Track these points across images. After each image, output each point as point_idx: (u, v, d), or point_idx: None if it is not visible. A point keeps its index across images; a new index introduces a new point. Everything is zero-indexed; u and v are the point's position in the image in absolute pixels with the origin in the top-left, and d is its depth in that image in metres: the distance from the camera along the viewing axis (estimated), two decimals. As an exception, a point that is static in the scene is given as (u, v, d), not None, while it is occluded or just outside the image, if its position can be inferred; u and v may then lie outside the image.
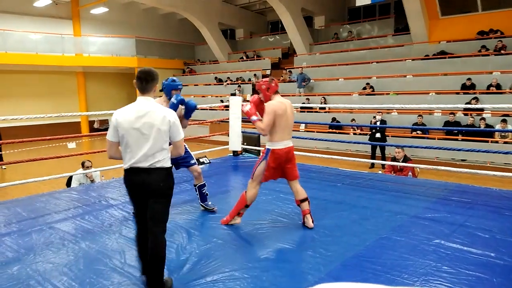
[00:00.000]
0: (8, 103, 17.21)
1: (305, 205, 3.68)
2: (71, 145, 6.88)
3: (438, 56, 13.22)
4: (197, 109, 4.16)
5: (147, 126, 2.46)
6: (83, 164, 6.39)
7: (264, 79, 3.64)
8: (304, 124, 13.40)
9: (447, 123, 10.56)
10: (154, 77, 2.58)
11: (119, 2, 19.40)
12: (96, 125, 20.26)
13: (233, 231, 3.58)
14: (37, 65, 17.12)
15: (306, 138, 10.77)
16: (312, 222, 3.63)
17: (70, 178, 6.57)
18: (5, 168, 11.08)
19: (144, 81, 2.54)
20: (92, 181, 6.39)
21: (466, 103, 10.20)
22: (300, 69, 15.48)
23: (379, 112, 10.39)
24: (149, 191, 2.51)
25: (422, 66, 13.23)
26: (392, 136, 10.93)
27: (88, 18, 19.36)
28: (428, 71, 12.85)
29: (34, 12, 17.64)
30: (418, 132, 10.94)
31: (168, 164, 2.56)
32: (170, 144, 2.64)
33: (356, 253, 3.08)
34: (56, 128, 16.52)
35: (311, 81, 15.22)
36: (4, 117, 5.13)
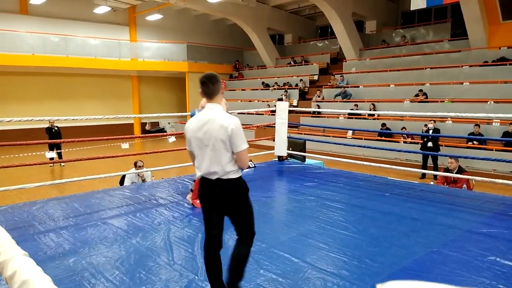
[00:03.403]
0: (68, 104, 18.38)
1: None
2: (125, 145, 7.21)
3: (498, 63, 12.48)
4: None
5: (207, 135, 2.37)
6: (135, 164, 6.68)
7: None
8: (351, 131, 13.15)
9: (506, 134, 9.94)
10: (218, 79, 2.48)
11: (172, 9, 20.12)
12: (148, 127, 21.11)
13: (278, 236, 3.59)
14: (96, 69, 18.16)
15: (353, 146, 10.57)
16: None
17: (123, 177, 6.88)
18: (63, 166, 11.82)
19: (210, 84, 2.44)
20: (144, 180, 6.66)
21: (529, 113, 9.54)
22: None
23: (431, 120, 9.97)
24: (220, 202, 2.41)
25: (481, 73, 12.55)
26: (445, 146, 10.44)
27: (144, 24, 20.27)
28: (487, 78, 12.17)
29: (94, 19, 18.75)
30: (475, 142, 10.38)
31: (235, 175, 2.40)
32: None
33: (404, 266, 2.98)
34: (111, 129, 17.43)
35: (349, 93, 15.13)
36: (66, 118, 5.49)
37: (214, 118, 2.38)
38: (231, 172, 2.38)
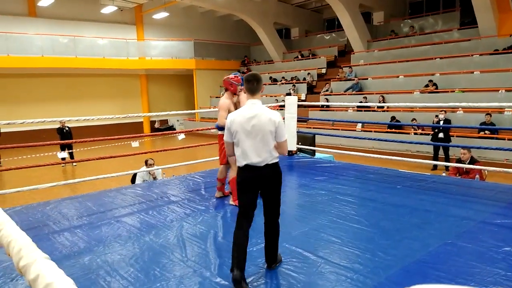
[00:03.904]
0: (78, 105, 18.56)
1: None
2: (135, 144, 7.27)
3: (509, 51, 12.27)
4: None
5: (256, 128, 2.69)
6: (146, 162, 6.73)
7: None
8: (361, 124, 13.07)
9: (519, 123, 9.80)
10: (261, 79, 2.86)
11: (179, 7, 20.16)
12: (157, 125, 21.24)
13: (290, 231, 3.59)
14: (105, 69, 18.31)
15: (363, 138, 10.51)
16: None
17: (134, 175, 6.95)
18: (75, 165, 11.96)
19: (256, 82, 2.79)
20: (155, 178, 6.72)
21: (542, 101, 9.39)
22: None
23: (442, 111, 9.86)
24: (263, 184, 2.75)
25: (491, 61, 12.37)
26: (457, 136, 10.34)
27: (151, 23, 20.34)
28: (498, 67, 11.99)
29: (101, 19, 18.87)
30: (486, 132, 10.25)
31: (276, 160, 2.79)
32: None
33: (418, 258, 2.97)
34: (121, 128, 17.57)
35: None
36: (76, 118, 5.55)
37: (261, 113, 2.72)
38: (274, 158, 2.76)
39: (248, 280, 2.68)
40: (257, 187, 2.76)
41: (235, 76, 4.37)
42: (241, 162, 2.76)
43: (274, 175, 2.77)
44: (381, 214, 4.01)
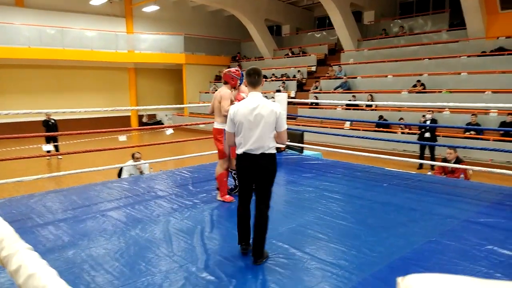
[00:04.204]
0: (64, 97, 18.29)
1: None
2: (122, 138, 7.19)
3: (496, 53, 12.46)
4: None
5: (258, 117, 2.87)
6: (133, 156, 6.67)
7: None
8: (349, 122, 13.15)
9: (503, 124, 9.96)
10: (261, 73, 3.10)
11: (169, 0, 19.98)
12: (145, 119, 21.06)
13: (277, 227, 3.60)
14: (92, 61, 18.05)
15: (351, 136, 10.56)
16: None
17: (121, 169, 6.88)
18: (61, 158, 11.79)
19: (257, 75, 3.02)
20: (141, 172, 6.66)
21: (527, 103, 9.56)
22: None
23: (429, 111, 9.98)
24: (257, 173, 2.90)
25: (478, 63, 12.54)
26: (443, 136, 10.47)
27: (140, 16, 20.11)
28: (485, 68, 12.17)
29: (90, 11, 18.58)
30: (472, 132, 10.40)
31: (274, 150, 2.94)
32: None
33: (402, 255, 3.00)
34: (108, 122, 17.38)
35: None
36: (63, 110, 5.46)
37: (263, 104, 2.91)
38: (271, 147, 2.92)
39: (234, 277, 2.69)
40: (253, 174, 2.92)
41: (236, 70, 4.33)
42: (240, 150, 2.93)
43: (269, 167, 2.91)
44: (368, 211, 4.05)
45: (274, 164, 2.95)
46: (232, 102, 4.16)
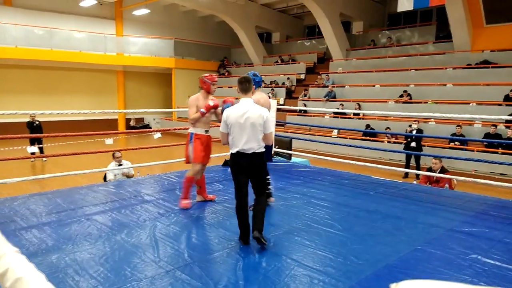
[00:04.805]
0: (50, 99, 18.03)
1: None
2: (109, 141, 7.13)
3: (481, 66, 12.73)
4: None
5: (248, 121, 3.22)
6: (113, 155, 6.60)
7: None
8: (337, 130, 13.25)
9: (487, 135, 10.15)
10: (251, 80, 3.46)
11: (160, 4, 19.91)
12: (132, 123, 20.87)
13: (264, 233, 3.59)
14: (81, 63, 17.85)
15: (338, 144, 10.64)
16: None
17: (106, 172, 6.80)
18: (45, 161, 11.59)
19: (248, 83, 3.38)
20: (127, 176, 6.59)
21: (509, 115, 9.76)
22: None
23: (415, 121, 10.12)
24: (250, 169, 3.28)
25: (464, 75, 12.79)
26: (428, 146, 10.61)
27: (130, 19, 20.01)
28: (470, 81, 12.41)
29: (79, 12, 18.41)
30: (456, 143, 10.58)
31: (262, 149, 3.32)
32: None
33: (388, 263, 3.02)
34: (94, 125, 17.20)
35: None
36: (50, 112, 5.38)
37: (253, 109, 3.27)
38: (261, 147, 3.30)
39: (220, 284, 2.67)
40: (246, 170, 3.27)
41: (209, 75, 4.30)
42: (234, 149, 3.28)
43: (260, 163, 3.31)
44: (355, 219, 4.07)
45: (263, 161, 3.36)
46: (198, 109, 4.19)
